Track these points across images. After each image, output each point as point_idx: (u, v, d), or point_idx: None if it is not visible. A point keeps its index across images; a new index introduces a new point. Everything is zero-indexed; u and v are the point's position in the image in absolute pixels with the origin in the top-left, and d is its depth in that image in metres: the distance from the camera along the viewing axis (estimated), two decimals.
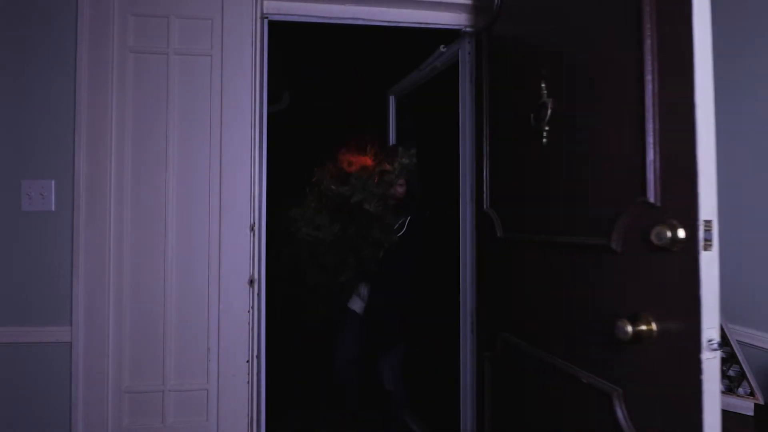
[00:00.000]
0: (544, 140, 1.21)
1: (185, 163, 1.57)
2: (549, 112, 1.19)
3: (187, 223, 1.56)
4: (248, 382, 1.59)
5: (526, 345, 1.28)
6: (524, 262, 1.32)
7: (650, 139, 0.88)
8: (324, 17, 1.72)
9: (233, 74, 1.59)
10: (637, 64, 0.91)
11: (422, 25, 1.77)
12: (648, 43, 0.90)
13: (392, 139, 2.70)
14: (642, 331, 0.87)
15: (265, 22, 1.69)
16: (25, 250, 1.49)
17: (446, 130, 2.01)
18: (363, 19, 1.74)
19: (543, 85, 1.21)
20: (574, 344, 1.10)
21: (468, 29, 1.76)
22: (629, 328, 0.87)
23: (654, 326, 0.86)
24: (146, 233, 1.54)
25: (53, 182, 1.50)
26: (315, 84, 3.89)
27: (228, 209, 1.57)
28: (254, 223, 1.59)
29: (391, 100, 2.68)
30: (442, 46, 1.93)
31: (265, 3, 1.68)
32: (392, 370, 2.21)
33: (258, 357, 1.63)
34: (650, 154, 0.88)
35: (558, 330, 1.16)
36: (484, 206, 1.55)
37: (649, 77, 0.89)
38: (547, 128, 1.20)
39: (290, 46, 2.73)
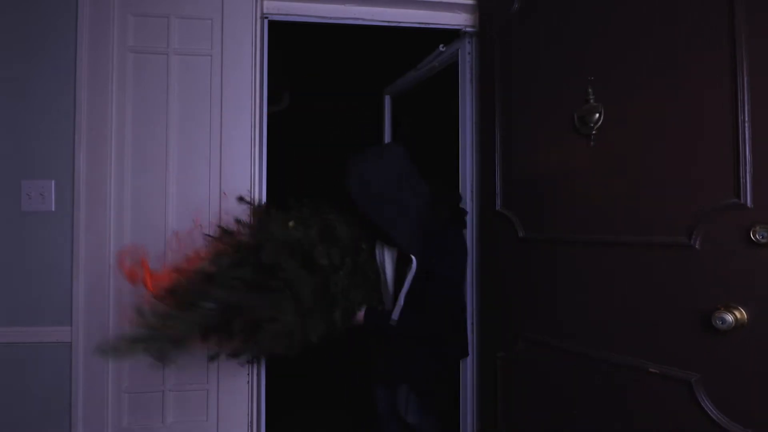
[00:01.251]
0: (593, 143, 1.23)
1: (185, 163, 1.57)
2: (599, 116, 1.21)
3: (187, 223, 1.56)
4: (248, 382, 1.59)
5: (570, 342, 1.30)
6: (564, 263, 1.32)
7: (746, 145, 0.95)
8: (324, 17, 1.72)
9: (233, 74, 1.59)
10: (727, 67, 0.97)
11: (422, 25, 1.77)
12: (741, 41, 0.95)
13: (387, 138, 2.65)
14: (736, 319, 0.95)
15: (265, 22, 1.69)
16: (25, 250, 1.49)
17: (443, 129, 2.00)
18: (363, 19, 1.74)
19: (590, 90, 1.24)
20: (639, 337, 1.13)
21: (469, 29, 1.76)
22: (730, 318, 0.94)
23: (745, 315, 0.94)
24: (146, 234, 1.54)
25: (53, 182, 1.50)
26: (315, 84, 3.89)
27: (228, 210, 1.57)
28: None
29: (387, 99, 2.64)
30: (441, 45, 1.93)
31: (265, 3, 1.69)
32: (412, 400, 1.69)
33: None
34: (745, 159, 0.95)
35: (616, 325, 1.19)
36: (497, 206, 1.54)
37: (743, 93, 0.96)
38: (594, 132, 1.23)
39: (290, 46, 2.73)
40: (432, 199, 1.55)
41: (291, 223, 1.41)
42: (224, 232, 1.41)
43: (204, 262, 1.31)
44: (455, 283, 1.54)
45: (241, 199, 1.52)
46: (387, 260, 1.65)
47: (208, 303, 1.24)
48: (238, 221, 1.45)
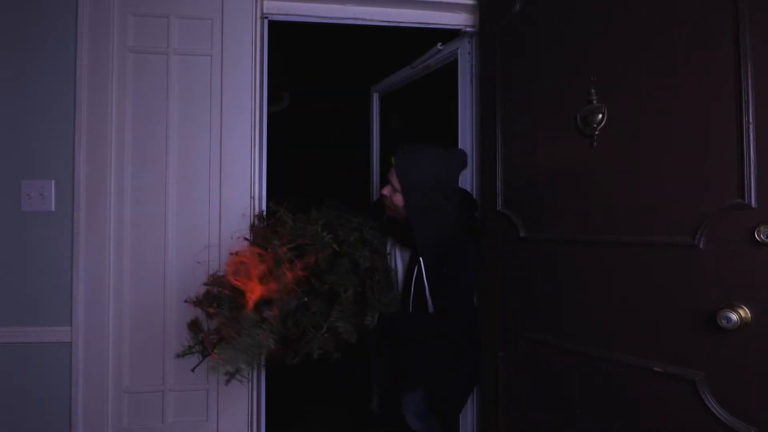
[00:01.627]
0: (595, 144, 1.24)
1: (185, 163, 1.57)
2: (602, 117, 1.22)
3: (187, 223, 1.56)
4: (248, 381, 1.59)
5: (571, 342, 1.30)
6: (565, 262, 1.33)
7: (750, 146, 0.96)
8: (324, 17, 1.72)
9: (233, 74, 1.59)
10: (730, 68, 0.97)
11: (422, 25, 1.77)
12: (746, 42, 0.96)
13: (375, 137, 2.61)
14: (741, 318, 0.96)
15: (265, 22, 1.69)
16: (25, 250, 1.49)
17: (437, 127, 1.99)
18: (363, 19, 1.74)
19: (593, 90, 1.24)
20: (640, 337, 1.14)
21: (469, 29, 1.76)
22: (735, 317, 0.95)
23: (749, 314, 0.95)
24: (146, 233, 1.54)
25: (53, 182, 1.50)
26: (315, 84, 3.89)
27: (228, 209, 1.57)
28: (254, 224, 1.59)
29: (375, 97, 2.60)
30: (439, 44, 1.93)
31: (265, 3, 1.68)
32: (418, 405, 1.68)
33: None
34: (749, 160, 0.96)
35: (616, 325, 1.19)
36: (498, 206, 1.54)
37: (748, 93, 0.96)
38: (597, 133, 1.23)
39: (290, 46, 2.73)
40: (459, 209, 1.57)
41: (319, 228, 1.41)
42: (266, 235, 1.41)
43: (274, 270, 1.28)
44: (462, 286, 1.53)
45: (266, 211, 1.57)
46: (398, 262, 1.66)
47: (268, 310, 1.24)
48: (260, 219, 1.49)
